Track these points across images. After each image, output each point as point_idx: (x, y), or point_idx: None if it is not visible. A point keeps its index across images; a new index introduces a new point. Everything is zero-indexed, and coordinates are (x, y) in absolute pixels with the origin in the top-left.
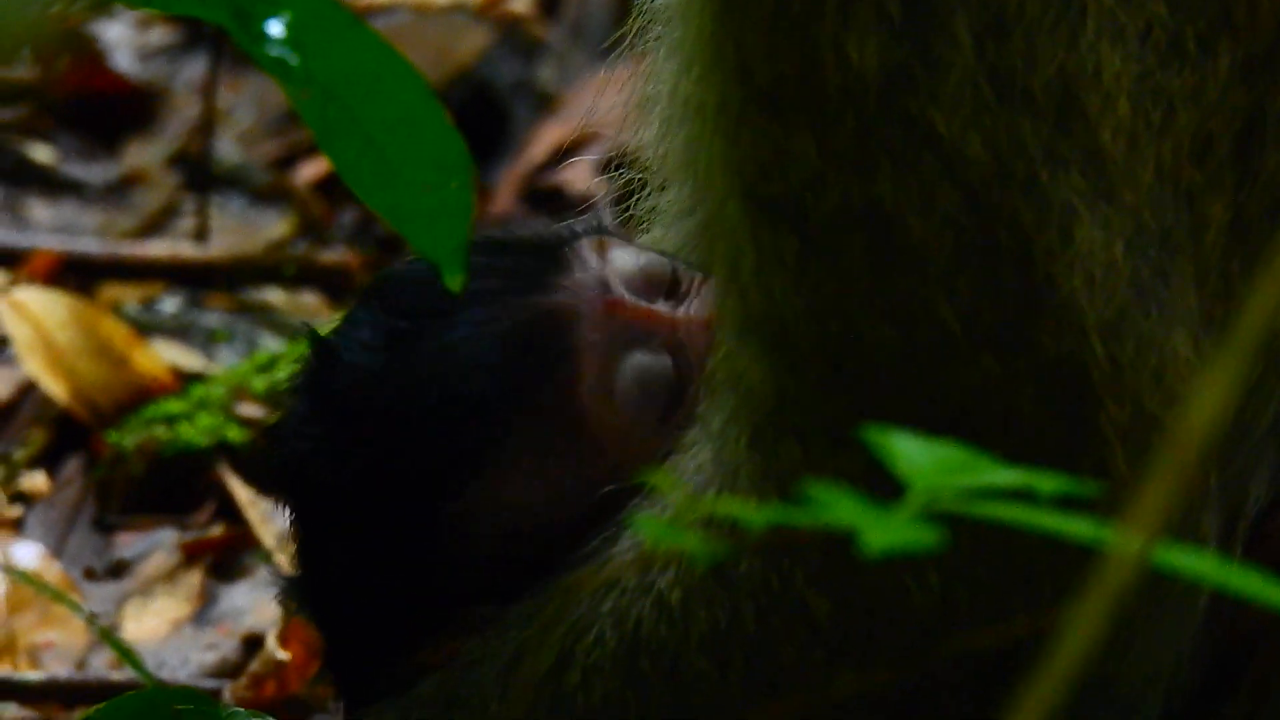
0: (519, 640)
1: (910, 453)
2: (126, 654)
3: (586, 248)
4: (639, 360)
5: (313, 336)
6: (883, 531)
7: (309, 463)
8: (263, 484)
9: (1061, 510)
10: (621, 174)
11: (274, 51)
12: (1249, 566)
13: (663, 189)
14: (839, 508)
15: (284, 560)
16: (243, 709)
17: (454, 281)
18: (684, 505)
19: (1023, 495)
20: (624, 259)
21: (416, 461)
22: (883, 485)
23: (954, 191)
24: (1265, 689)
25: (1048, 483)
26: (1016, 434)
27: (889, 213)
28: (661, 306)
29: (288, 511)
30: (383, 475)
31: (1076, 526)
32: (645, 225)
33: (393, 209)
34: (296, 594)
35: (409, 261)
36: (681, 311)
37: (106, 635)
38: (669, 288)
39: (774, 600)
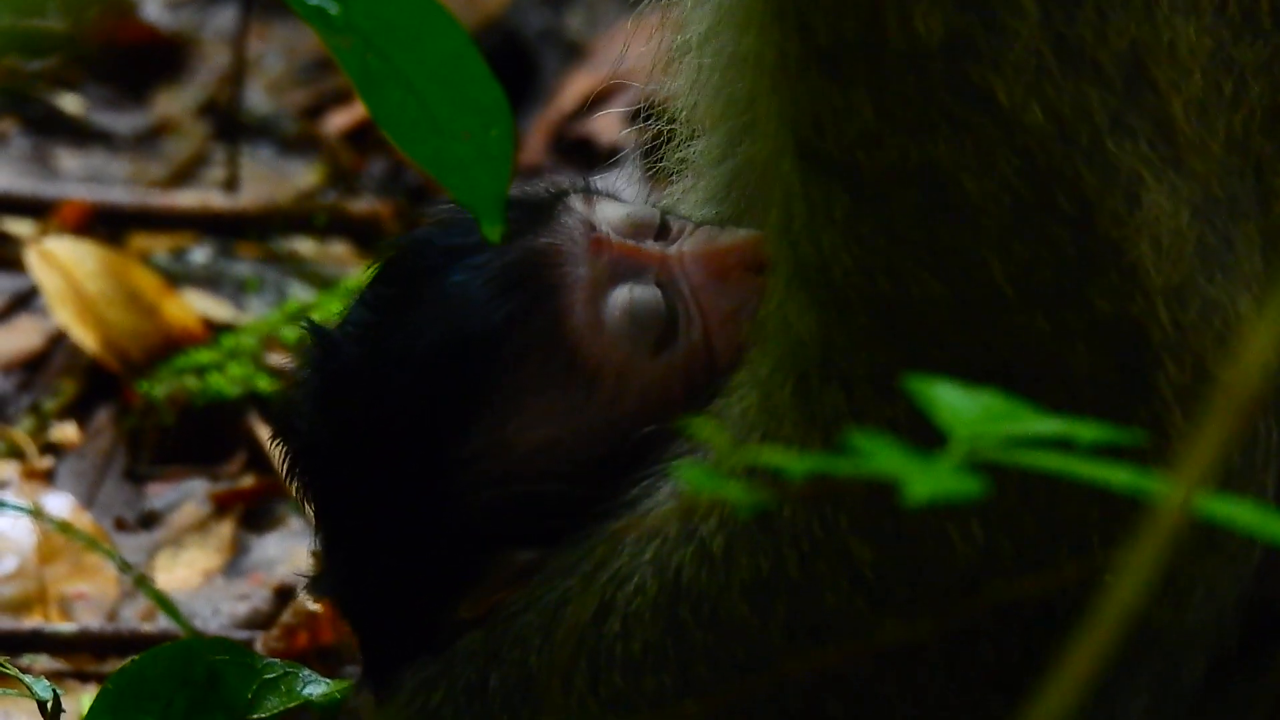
0: (560, 591)
1: (952, 401)
2: (164, 603)
3: (573, 200)
4: (627, 292)
5: (310, 327)
6: (925, 481)
7: (321, 443)
8: (282, 466)
9: (1106, 459)
10: (651, 123)
11: (312, 1)
12: None
13: (693, 138)
14: (882, 457)
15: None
16: (276, 660)
17: (493, 231)
18: (726, 452)
19: (1066, 444)
20: (610, 207)
21: (423, 411)
22: (927, 436)
23: (1013, 156)
24: None
25: (1089, 431)
26: (1068, 391)
27: (944, 173)
28: (649, 245)
29: (307, 498)
30: (392, 432)
31: (1119, 475)
32: (675, 175)
33: (433, 158)
34: (323, 585)
35: (403, 237)
36: (672, 249)
37: (144, 584)
38: (657, 231)
39: (817, 547)
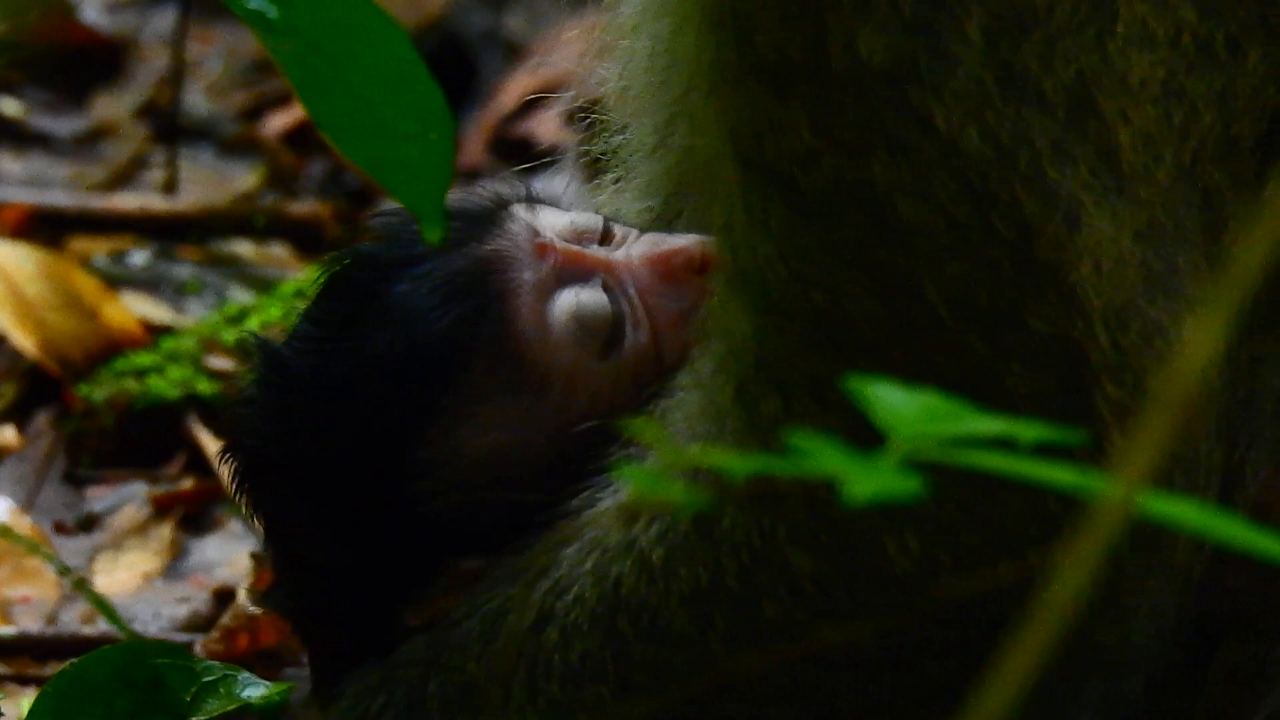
0: (501, 599)
1: (892, 401)
2: (104, 606)
3: (516, 207)
4: (573, 295)
5: (257, 343)
6: (866, 480)
7: (270, 457)
8: (232, 489)
9: (1048, 461)
10: (590, 123)
11: (252, 3)
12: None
13: (625, 128)
14: (822, 457)
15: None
16: (216, 662)
17: (434, 233)
18: (668, 455)
19: (1007, 445)
20: (553, 214)
21: (372, 421)
22: (867, 444)
23: (950, 180)
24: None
25: (1030, 431)
26: (1006, 410)
27: (881, 194)
28: (594, 250)
29: (257, 512)
30: (342, 444)
31: (1061, 474)
32: (610, 166)
33: (373, 161)
34: (273, 597)
35: (344, 251)
36: (618, 253)
37: (83, 588)
38: (600, 238)
39: (756, 557)
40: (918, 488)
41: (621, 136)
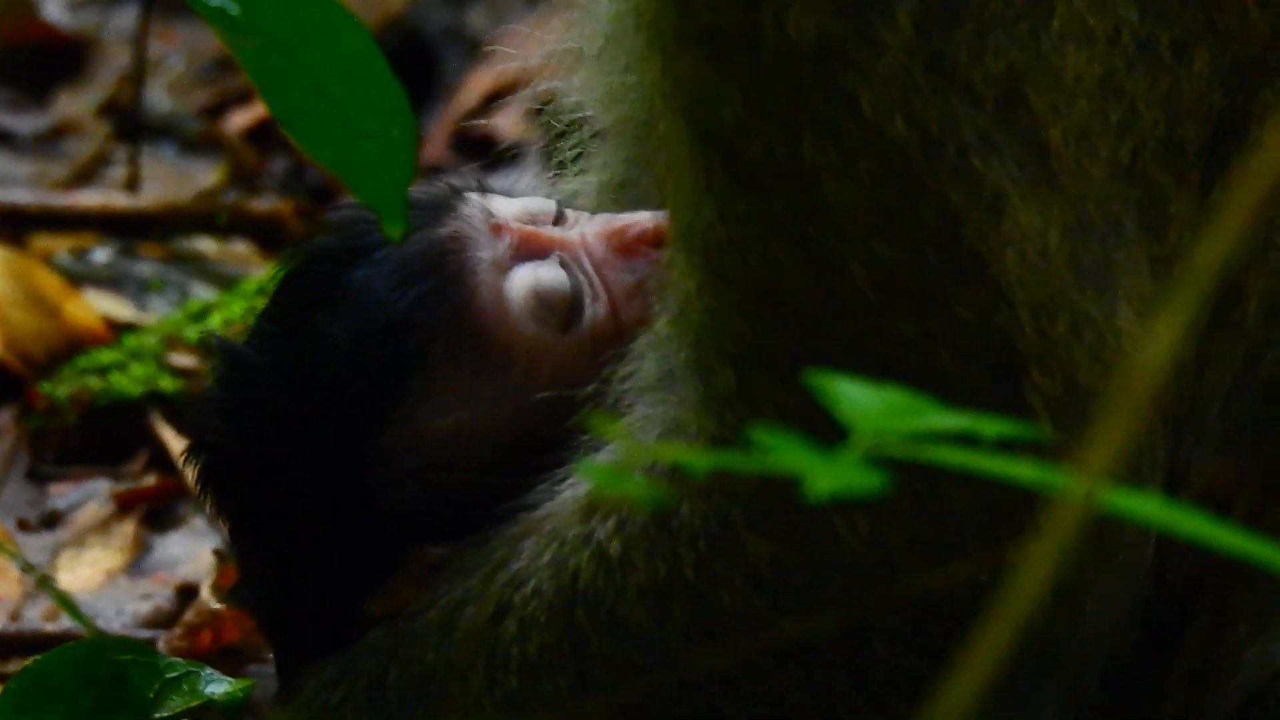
0: (461, 590)
1: (855, 396)
2: (66, 603)
3: (470, 195)
4: (530, 271)
5: (216, 342)
6: (828, 476)
7: (232, 451)
8: (196, 488)
9: (1007, 455)
10: (552, 120)
11: (214, 1)
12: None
13: (581, 116)
14: (785, 453)
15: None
16: (179, 659)
17: (395, 230)
18: (629, 452)
19: (967, 440)
20: (506, 200)
21: (334, 407)
22: (818, 419)
23: (876, 165)
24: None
25: (993, 426)
26: (939, 392)
27: (810, 173)
28: (548, 230)
29: (221, 511)
30: (305, 433)
31: (1024, 470)
32: (567, 157)
33: (335, 158)
34: (239, 593)
35: (299, 248)
36: (572, 232)
37: (47, 585)
38: (554, 220)
39: (714, 546)
40: (880, 483)
41: (580, 123)
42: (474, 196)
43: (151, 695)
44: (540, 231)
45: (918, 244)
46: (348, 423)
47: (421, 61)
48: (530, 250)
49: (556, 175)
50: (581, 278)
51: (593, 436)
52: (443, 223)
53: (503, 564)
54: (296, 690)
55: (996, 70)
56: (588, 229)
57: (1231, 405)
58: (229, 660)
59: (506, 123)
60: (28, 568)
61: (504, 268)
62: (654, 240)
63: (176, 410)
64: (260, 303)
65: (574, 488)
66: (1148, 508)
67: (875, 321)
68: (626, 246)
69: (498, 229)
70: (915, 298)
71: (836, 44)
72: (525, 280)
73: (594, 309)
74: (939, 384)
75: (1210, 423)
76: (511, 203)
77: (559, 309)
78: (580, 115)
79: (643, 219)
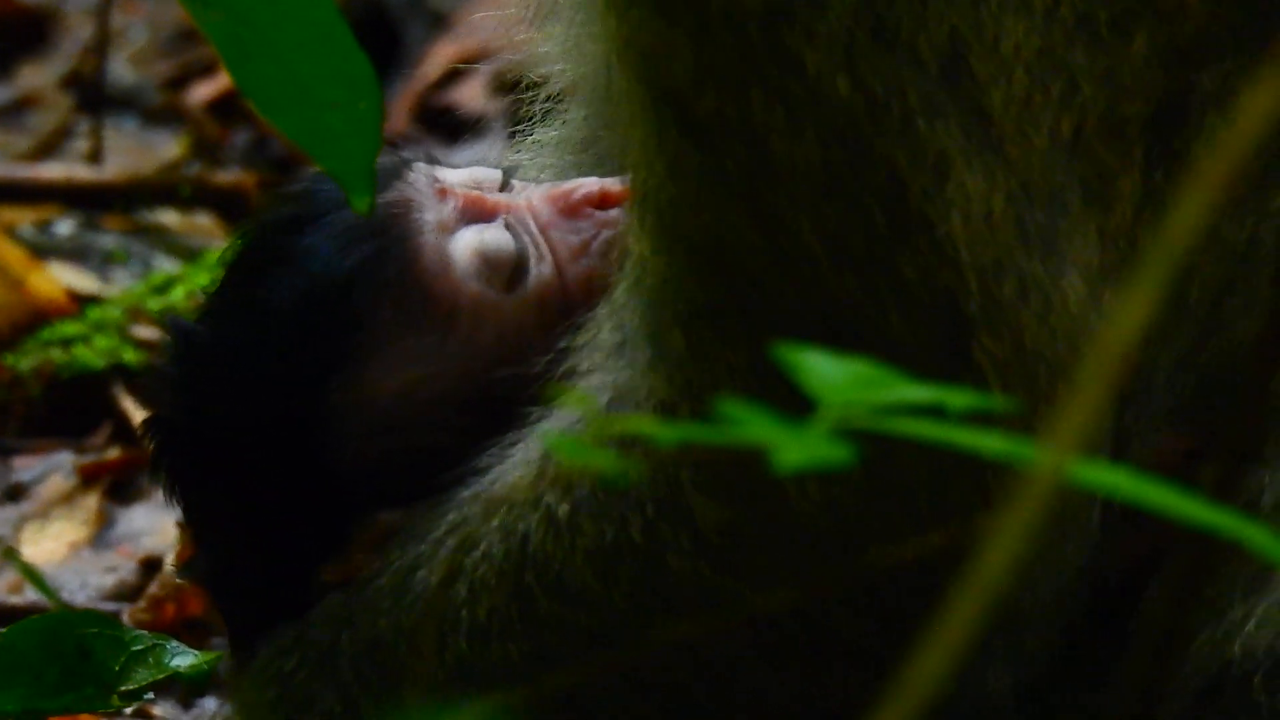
0: (412, 556)
1: (821, 368)
2: (33, 576)
3: (416, 163)
4: (474, 233)
5: (168, 319)
6: (796, 449)
7: (183, 423)
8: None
9: (975, 427)
10: (513, 90)
11: None
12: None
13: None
14: (752, 425)
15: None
16: (145, 632)
17: (361, 203)
18: (594, 424)
19: (933, 412)
20: (452, 169)
21: (280, 371)
22: (768, 383)
23: (822, 126)
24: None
25: (959, 399)
26: (890, 354)
27: (759, 131)
28: (493, 195)
29: (174, 486)
30: (252, 399)
31: (993, 442)
32: (528, 127)
33: (301, 130)
34: (194, 567)
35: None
36: (519, 197)
37: (12, 556)
38: (500, 187)
39: (661, 509)
40: (848, 455)
41: (542, 85)
42: (420, 164)
43: (117, 668)
44: (485, 196)
45: (865, 205)
46: (295, 387)
47: (384, 32)
48: (475, 214)
49: (517, 138)
50: (526, 239)
51: (548, 404)
52: (388, 189)
53: (454, 528)
54: (250, 660)
55: (938, 37)
56: (533, 193)
57: (1176, 381)
58: (192, 633)
59: (469, 94)
60: None
61: (449, 229)
62: (599, 202)
63: (140, 383)
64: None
65: (524, 451)
66: (1117, 481)
67: (824, 282)
68: (572, 208)
69: (443, 193)
70: (863, 258)
71: (783, 3)
72: (469, 241)
73: (539, 270)
74: (888, 346)
75: (1155, 397)
76: (458, 171)
77: (503, 269)
78: (541, 76)
79: (588, 182)
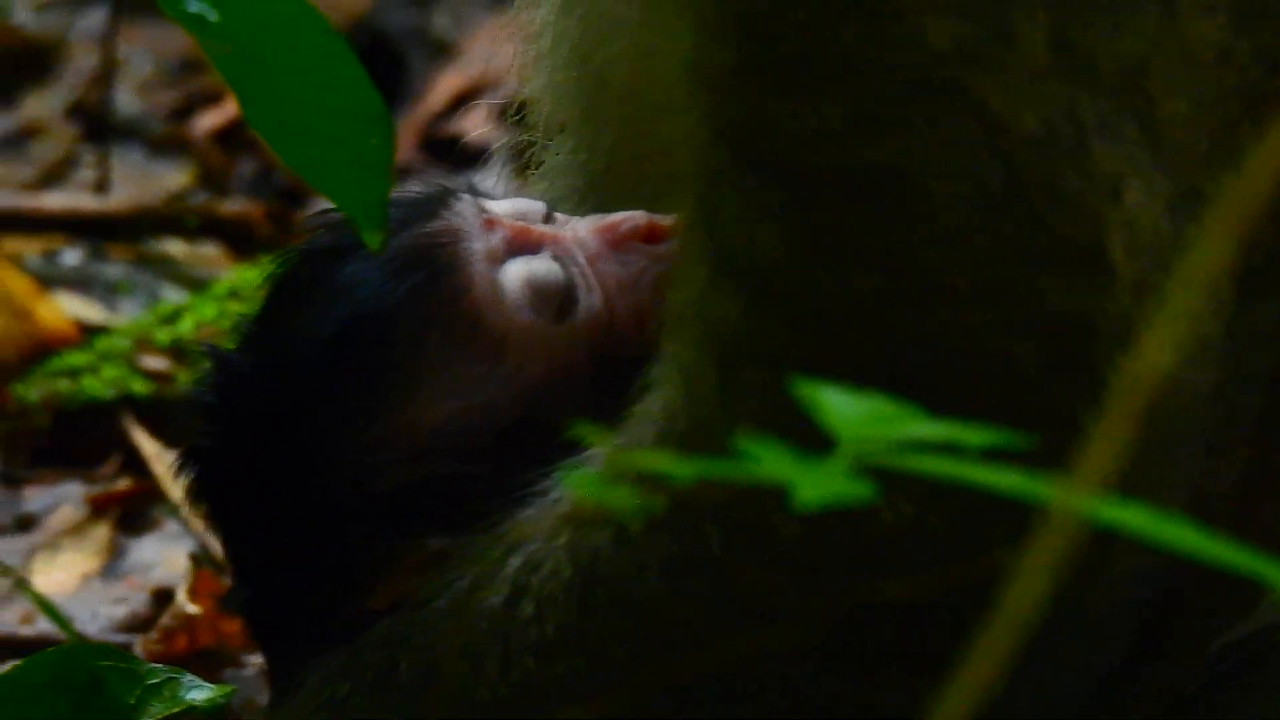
0: (473, 576)
1: (839, 404)
2: (47, 607)
3: (461, 193)
4: (523, 264)
5: (206, 348)
6: (814, 486)
7: (224, 454)
8: (186, 496)
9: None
10: (519, 121)
11: (192, 8)
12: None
13: (549, 136)
14: (770, 461)
15: (190, 514)
16: (160, 665)
17: (373, 239)
18: (616, 461)
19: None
20: (498, 200)
21: (326, 400)
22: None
23: (991, 158)
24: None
25: (977, 436)
26: (1008, 381)
27: (910, 172)
28: (539, 226)
29: (214, 519)
30: (297, 428)
31: (1009, 479)
32: (534, 161)
33: (311, 165)
34: (234, 598)
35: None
36: (564, 229)
37: (25, 588)
38: (544, 218)
39: (741, 523)
40: (867, 492)
41: (544, 144)
42: (465, 194)
43: (131, 701)
44: (532, 227)
45: (1020, 234)
46: (339, 416)
47: (386, 63)
48: (522, 245)
49: (525, 172)
50: (574, 270)
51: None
52: (434, 218)
53: (515, 548)
54: (295, 690)
55: (1124, 53)
56: (579, 225)
57: (1216, 408)
58: (204, 665)
59: (474, 125)
60: (5, 570)
61: (497, 260)
62: (646, 236)
63: (148, 413)
64: (230, 305)
65: (599, 466)
66: (1136, 520)
67: (955, 319)
68: (619, 241)
69: (490, 224)
70: (1006, 288)
71: (970, 43)
72: (519, 271)
73: (588, 300)
74: (1010, 374)
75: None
76: (502, 202)
77: (553, 300)
78: (547, 109)
79: (635, 216)
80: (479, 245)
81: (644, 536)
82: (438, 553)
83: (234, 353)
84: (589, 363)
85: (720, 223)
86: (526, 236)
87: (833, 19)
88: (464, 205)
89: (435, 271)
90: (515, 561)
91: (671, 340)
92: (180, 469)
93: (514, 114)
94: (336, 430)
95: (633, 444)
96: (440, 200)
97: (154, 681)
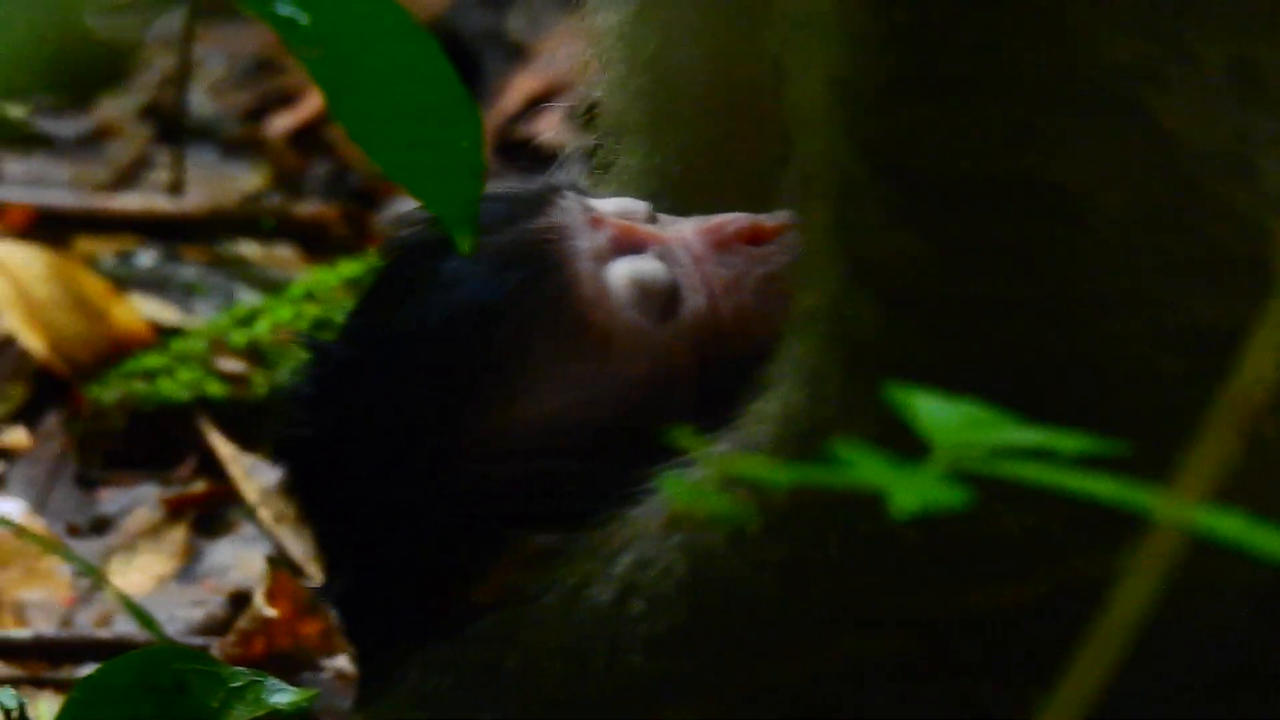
0: (582, 572)
1: (933, 411)
2: (135, 609)
3: (564, 191)
4: (628, 263)
5: (305, 340)
6: (911, 492)
7: (325, 448)
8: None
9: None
10: (593, 125)
11: (283, 10)
12: None
13: (619, 143)
14: (865, 467)
15: (267, 517)
16: (242, 668)
17: (464, 242)
18: (711, 466)
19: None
20: (601, 198)
21: (431, 393)
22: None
23: (1161, 175)
24: None
25: (1071, 443)
26: (1148, 393)
27: (1076, 189)
28: (644, 226)
29: (311, 514)
30: (401, 421)
31: (1104, 487)
32: (609, 163)
33: (402, 168)
34: (330, 592)
35: (383, 250)
36: (668, 229)
37: (111, 589)
38: (648, 218)
39: (861, 527)
40: (963, 498)
41: (615, 151)
42: (571, 193)
43: (215, 704)
44: (637, 227)
45: (1182, 251)
46: (442, 411)
47: (461, 64)
48: (628, 244)
49: (597, 174)
50: (679, 270)
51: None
52: (539, 215)
53: (626, 546)
54: (391, 683)
55: None
56: (684, 225)
57: None
58: (281, 668)
59: (550, 127)
60: (88, 569)
61: (603, 258)
62: (751, 237)
63: (224, 415)
64: (306, 307)
65: (697, 472)
66: (1235, 528)
67: (1093, 331)
68: (724, 242)
69: (596, 222)
70: (1161, 302)
71: (1149, 63)
72: (625, 270)
73: (693, 300)
74: (1151, 386)
75: None
76: (607, 201)
77: (658, 299)
78: (620, 113)
79: (739, 217)
80: (585, 243)
81: (760, 538)
82: (545, 548)
83: (335, 345)
84: (693, 363)
85: (858, 229)
86: (632, 236)
87: (1005, 33)
88: (570, 203)
89: (542, 268)
90: (625, 559)
91: (795, 341)
92: (275, 459)
93: (586, 117)
94: (436, 427)
95: (749, 443)
96: (546, 197)
97: (237, 685)
